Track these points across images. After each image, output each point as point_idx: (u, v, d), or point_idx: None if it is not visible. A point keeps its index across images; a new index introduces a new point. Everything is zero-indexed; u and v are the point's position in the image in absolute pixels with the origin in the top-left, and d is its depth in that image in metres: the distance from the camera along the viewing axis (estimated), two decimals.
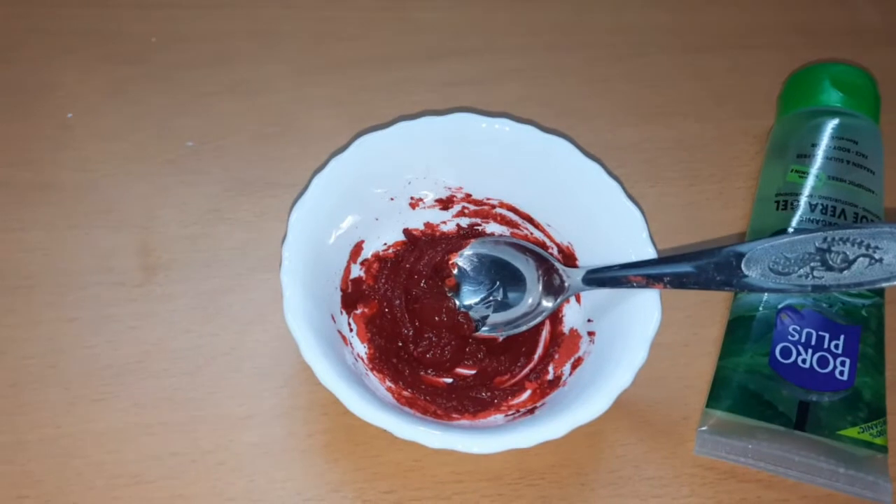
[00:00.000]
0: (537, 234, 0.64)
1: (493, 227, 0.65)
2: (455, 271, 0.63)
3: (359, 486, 0.57)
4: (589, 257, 0.61)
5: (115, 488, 0.56)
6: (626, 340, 0.55)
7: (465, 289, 0.62)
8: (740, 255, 0.53)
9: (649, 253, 0.57)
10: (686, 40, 0.80)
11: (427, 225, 0.65)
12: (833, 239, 0.51)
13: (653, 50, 0.79)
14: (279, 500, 0.56)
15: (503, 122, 0.61)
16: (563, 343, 0.61)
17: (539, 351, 0.62)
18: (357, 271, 0.62)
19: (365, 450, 0.58)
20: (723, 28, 0.81)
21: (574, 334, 0.61)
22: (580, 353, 0.59)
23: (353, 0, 0.80)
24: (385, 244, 0.64)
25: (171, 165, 0.69)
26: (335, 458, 0.58)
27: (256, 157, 0.69)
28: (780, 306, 0.60)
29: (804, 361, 0.59)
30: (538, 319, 0.61)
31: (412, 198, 0.63)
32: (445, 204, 0.64)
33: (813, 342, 0.59)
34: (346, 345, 0.58)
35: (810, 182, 0.64)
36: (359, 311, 0.61)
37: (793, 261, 0.52)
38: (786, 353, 0.59)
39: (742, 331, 0.61)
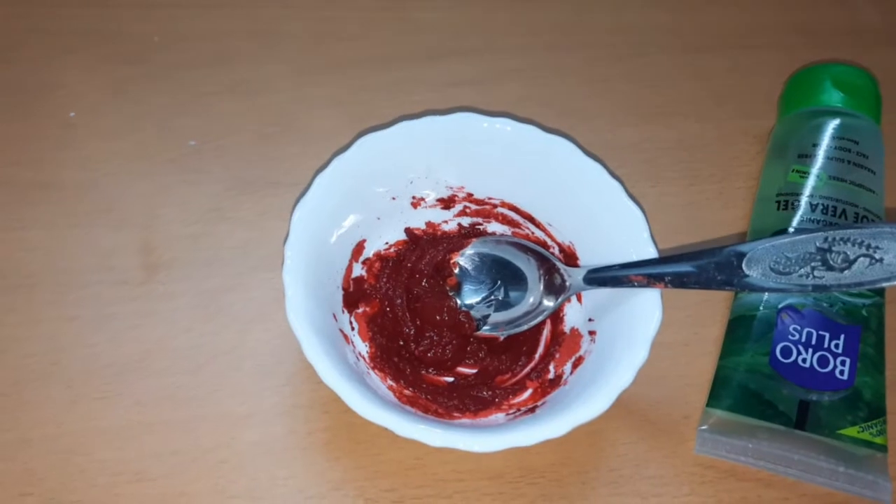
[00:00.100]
0: (538, 234, 0.64)
1: (494, 227, 0.65)
2: (456, 270, 0.63)
3: (360, 485, 0.57)
4: (590, 257, 0.61)
5: (116, 486, 0.56)
6: (627, 340, 0.55)
7: (467, 288, 0.63)
8: (741, 255, 0.53)
9: (650, 252, 0.57)
10: (686, 40, 0.80)
11: (429, 224, 0.65)
12: (834, 239, 0.51)
13: (653, 50, 0.79)
14: (280, 498, 0.56)
15: (504, 122, 0.61)
16: (564, 342, 0.61)
17: (540, 350, 0.62)
18: (359, 270, 0.62)
19: (366, 448, 0.58)
20: (723, 28, 0.81)
21: (575, 333, 0.61)
22: (581, 353, 0.59)
23: (354, 0, 0.80)
24: (387, 243, 0.64)
25: (173, 164, 0.69)
26: (336, 456, 0.58)
27: (257, 156, 0.70)
28: (780, 306, 0.61)
29: (804, 361, 0.59)
30: (539, 319, 0.61)
31: (414, 197, 0.64)
32: (447, 203, 0.64)
33: (813, 342, 0.59)
34: (348, 343, 0.58)
35: (811, 182, 0.64)
36: (360, 310, 0.61)
37: (793, 260, 0.52)
38: (786, 352, 0.59)
39: (742, 330, 0.61)
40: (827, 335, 0.59)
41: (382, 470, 0.58)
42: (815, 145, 0.66)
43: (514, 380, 0.61)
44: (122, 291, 0.63)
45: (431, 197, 0.64)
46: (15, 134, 0.69)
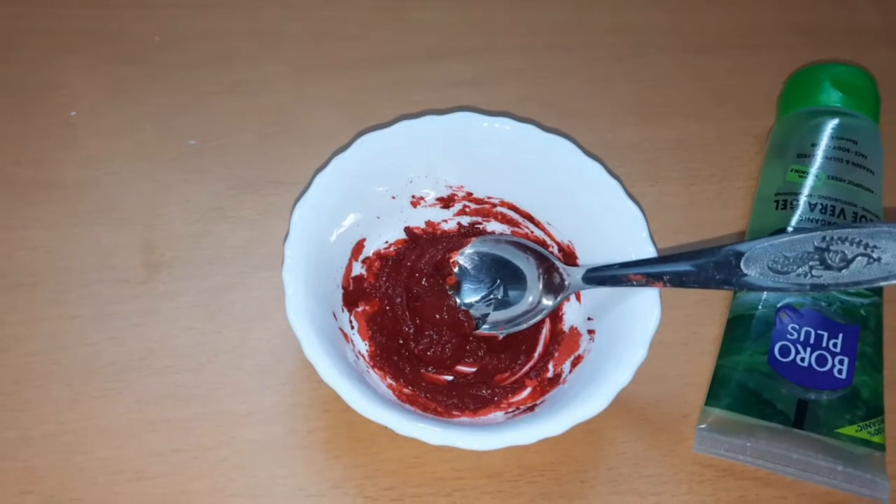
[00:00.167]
0: (538, 233, 0.64)
1: (493, 226, 0.65)
2: (456, 269, 0.63)
3: (359, 483, 0.57)
4: (589, 256, 0.61)
5: (117, 484, 0.56)
6: (626, 339, 0.55)
7: (466, 287, 0.63)
8: (739, 254, 0.54)
9: (649, 252, 0.58)
10: (686, 40, 0.80)
11: (428, 223, 0.65)
12: (832, 238, 0.51)
13: (653, 50, 0.79)
14: (281, 497, 0.57)
15: (504, 122, 0.61)
16: (563, 341, 0.61)
17: (539, 349, 0.62)
18: (358, 269, 0.62)
19: (366, 446, 0.58)
20: (723, 28, 0.81)
21: (574, 332, 0.61)
22: (580, 351, 0.59)
23: (354, 0, 0.80)
24: (386, 242, 0.64)
25: (174, 164, 0.69)
26: (336, 454, 0.58)
27: (258, 155, 0.70)
28: (779, 305, 0.61)
29: (803, 360, 0.59)
30: (538, 317, 0.61)
31: (413, 196, 0.64)
32: (446, 202, 0.64)
33: (812, 341, 0.59)
34: (348, 342, 0.59)
35: (810, 182, 0.65)
36: (360, 309, 0.62)
37: (792, 260, 0.52)
38: (785, 351, 0.59)
39: (741, 329, 0.61)
40: (825, 334, 0.60)
41: (382, 468, 0.58)
42: (814, 145, 0.66)
43: (513, 378, 0.61)
44: (123, 290, 0.63)
45: (431, 196, 0.64)
46: (16, 133, 0.69)
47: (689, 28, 0.81)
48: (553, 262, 0.61)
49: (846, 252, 0.51)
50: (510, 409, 0.58)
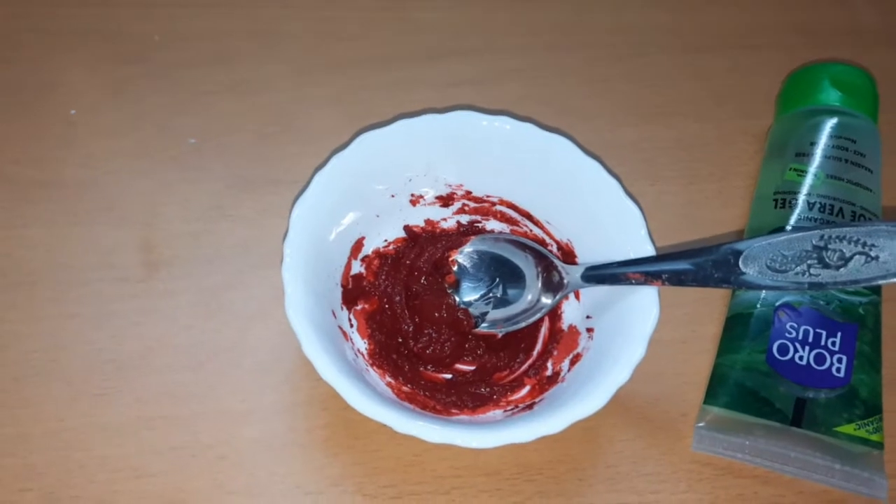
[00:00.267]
0: (537, 232, 0.64)
1: (492, 224, 0.65)
2: (455, 268, 0.63)
3: (358, 481, 0.57)
4: (588, 254, 0.61)
5: (116, 482, 0.57)
6: (625, 337, 0.56)
7: (465, 285, 0.63)
8: (738, 253, 0.54)
9: (648, 250, 0.58)
10: (686, 40, 0.80)
11: (427, 222, 0.65)
12: (830, 237, 0.52)
13: (653, 50, 0.79)
14: (279, 495, 0.57)
15: (503, 120, 0.62)
16: (561, 339, 0.61)
17: (538, 347, 0.62)
18: (358, 267, 0.62)
19: (365, 444, 0.58)
20: (723, 28, 0.81)
21: (573, 331, 0.61)
22: (579, 350, 0.59)
23: (354, 0, 0.80)
24: (386, 241, 0.64)
25: (174, 162, 0.69)
26: (335, 452, 0.58)
27: (257, 154, 0.70)
28: (777, 304, 0.61)
29: (801, 358, 0.59)
30: (537, 316, 0.61)
31: (413, 195, 0.64)
32: (446, 201, 0.65)
33: (810, 339, 0.59)
34: (347, 340, 0.59)
35: (809, 180, 0.65)
36: (359, 307, 0.62)
37: (790, 258, 0.52)
38: (783, 350, 0.59)
39: (740, 328, 0.61)
40: (824, 333, 0.60)
41: (381, 466, 0.58)
42: (813, 144, 0.66)
43: (511, 377, 0.61)
44: (122, 289, 0.63)
45: (430, 195, 0.64)
46: (16, 132, 0.70)
47: (689, 28, 0.81)
48: (552, 261, 0.61)
49: (844, 251, 0.51)
50: (509, 408, 0.58)
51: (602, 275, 0.58)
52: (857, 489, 0.57)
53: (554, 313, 0.63)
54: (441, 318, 0.61)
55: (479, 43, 0.78)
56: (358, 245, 0.62)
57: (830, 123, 0.67)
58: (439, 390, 0.59)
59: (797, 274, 0.52)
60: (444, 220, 0.65)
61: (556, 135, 0.61)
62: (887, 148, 0.68)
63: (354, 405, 0.52)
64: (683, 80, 0.77)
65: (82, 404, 0.59)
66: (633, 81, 0.77)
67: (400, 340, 0.62)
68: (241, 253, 0.65)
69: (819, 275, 0.52)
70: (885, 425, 0.58)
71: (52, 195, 0.67)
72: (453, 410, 0.58)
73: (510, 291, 0.62)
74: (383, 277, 0.63)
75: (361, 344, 0.60)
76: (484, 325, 0.62)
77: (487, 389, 0.60)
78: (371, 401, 0.52)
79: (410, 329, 0.62)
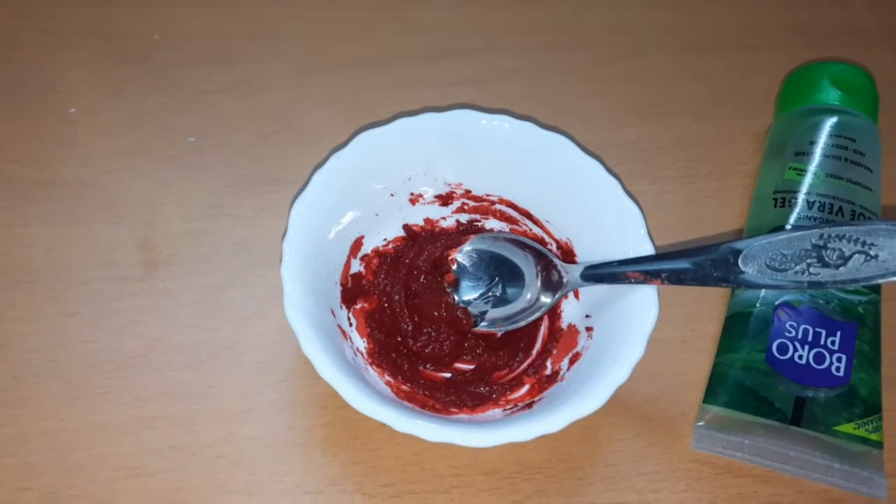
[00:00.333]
0: (536, 231, 0.64)
1: (492, 223, 0.65)
2: (454, 267, 0.63)
3: (358, 480, 0.57)
4: (587, 253, 0.61)
5: (116, 481, 0.57)
6: (624, 336, 0.56)
7: (465, 284, 0.63)
8: (737, 252, 0.54)
9: (647, 249, 0.58)
10: (686, 40, 0.80)
11: (427, 221, 0.65)
12: (829, 235, 0.52)
13: (653, 50, 0.79)
14: (279, 494, 0.57)
15: (503, 119, 0.62)
16: (561, 338, 0.61)
17: (537, 346, 0.62)
18: (357, 266, 0.62)
19: (364, 443, 0.58)
20: (723, 28, 0.81)
21: (572, 330, 0.61)
22: (578, 349, 0.59)
23: (354, 0, 0.80)
24: (385, 240, 0.64)
25: (173, 161, 0.69)
26: (334, 451, 0.58)
27: (257, 154, 0.70)
28: (777, 303, 0.61)
29: (801, 357, 0.59)
30: (537, 315, 0.61)
31: (412, 194, 0.64)
32: (445, 200, 0.65)
33: (809, 338, 0.59)
34: (346, 339, 0.59)
35: (808, 180, 0.65)
36: (358, 306, 0.62)
37: (789, 257, 0.52)
38: (782, 349, 0.59)
39: (739, 327, 0.61)
40: (823, 332, 0.60)
41: (380, 465, 0.58)
42: (813, 143, 0.66)
43: (511, 376, 0.61)
44: (122, 288, 0.63)
45: (429, 193, 0.64)
46: (16, 132, 0.70)
47: (689, 28, 0.81)
48: (551, 260, 0.61)
49: (844, 249, 0.51)
50: (508, 407, 0.58)
51: (601, 274, 0.58)
52: (857, 488, 0.57)
53: (553, 312, 0.63)
54: (440, 317, 0.61)
55: (480, 43, 0.79)
56: (357, 244, 0.62)
57: (830, 122, 0.67)
58: (438, 389, 0.59)
59: (796, 273, 0.52)
60: (444, 218, 0.65)
61: (555, 134, 0.61)
62: (887, 147, 0.67)
63: (353, 404, 0.52)
64: (683, 80, 0.77)
65: (82, 403, 0.59)
66: (633, 81, 0.77)
67: (399, 339, 0.62)
68: (240, 252, 0.65)
69: (818, 274, 0.52)
70: (884, 424, 0.58)
71: (51, 194, 0.67)
72: (452, 409, 0.58)
73: (509, 290, 0.62)
74: (382, 276, 0.63)
75: (360, 343, 0.60)
76: (483, 323, 0.62)
77: (487, 388, 0.60)
78: (370, 400, 0.52)
79: (410, 328, 0.62)
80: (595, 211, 0.60)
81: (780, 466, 0.58)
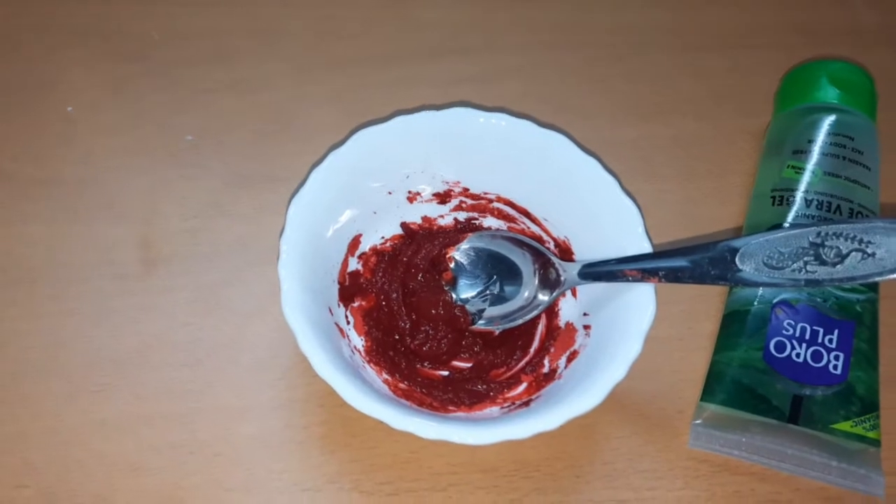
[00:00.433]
0: (534, 229, 0.64)
1: (490, 222, 0.65)
2: (452, 265, 0.63)
3: (355, 478, 0.57)
4: (585, 251, 0.61)
5: (114, 478, 0.57)
6: (621, 334, 0.55)
7: (462, 282, 0.63)
8: (734, 250, 0.54)
9: (645, 247, 0.58)
10: (686, 40, 0.80)
11: (424, 219, 0.65)
12: (826, 234, 0.52)
13: (653, 49, 0.79)
14: (276, 491, 0.57)
15: (500, 117, 0.62)
16: (558, 336, 0.61)
17: (535, 344, 0.62)
18: (355, 264, 0.62)
19: (361, 441, 0.58)
20: (723, 28, 0.81)
21: (570, 328, 0.61)
22: (576, 347, 0.59)
23: None
24: (383, 238, 0.64)
25: (172, 160, 0.69)
26: (332, 449, 0.58)
27: (256, 152, 0.70)
28: (774, 301, 0.61)
29: (798, 356, 0.59)
30: (534, 313, 0.61)
31: (410, 192, 0.64)
32: (443, 198, 0.65)
33: (807, 337, 0.59)
34: (344, 337, 0.59)
35: (806, 178, 0.64)
36: (356, 304, 0.62)
37: (786, 255, 0.52)
38: (780, 347, 0.59)
39: (737, 325, 0.61)
40: (821, 330, 0.60)
41: (378, 463, 0.58)
42: (811, 141, 0.66)
43: (508, 374, 0.61)
44: (121, 286, 0.64)
45: (427, 191, 0.64)
46: (16, 130, 0.70)
47: (689, 27, 0.81)
48: (549, 258, 0.61)
49: (841, 247, 0.51)
50: (506, 405, 0.58)
51: (599, 272, 0.58)
52: (854, 486, 0.57)
53: (551, 310, 0.63)
54: (438, 315, 0.61)
55: (480, 41, 0.79)
56: (355, 242, 0.62)
57: (828, 121, 0.67)
58: (436, 387, 0.59)
59: (794, 271, 0.52)
60: (442, 217, 0.65)
61: (553, 132, 0.61)
62: (885, 145, 0.67)
63: (351, 402, 0.52)
64: (683, 80, 0.77)
65: (81, 401, 0.59)
66: (633, 80, 0.77)
67: (397, 337, 0.62)
68: (238, 250, 0.65)
69: (816, 272, 0.52)
70: (881, 422, 0.58)
71: (51, 192, 0.67)
72: (450, 407, 0.58)
73: (507, 288, 0.62)
74: (380, 274, 0.63)
75: (358, 341, 0.60)
76: (481, 322, 0.62)
77: (484, 386, 0.60)
78: (367, 397, 0.52)
79: (407, 326, 0.62)
80: (593, 209, 0.60)
81: (778, 464, 0.58)
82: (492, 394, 0.59)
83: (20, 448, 0.57)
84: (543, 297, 0.61)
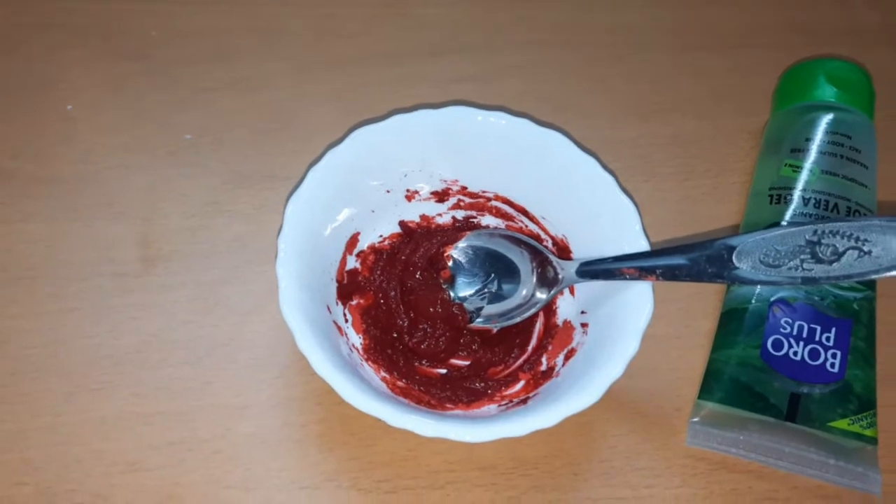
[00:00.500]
0: (532, 227, 0.64)
1: (488, 220, 0.65)
2: (450, 263, 0.63)
3: (353, 476, 0.58)
4: (583, 250, 0.61)
5: (113, 476, 0.57)
6: (619, 332, 0.56)
7: (460, 281, 0.63)
8: (731, 248, 0.54)
9: (642, 245, 0.58)
10: (686, 39, 0.80)
11: (423, 217, 0.65)
12: (823, 232, 0.52)
13: (652, 48, 0.79)
14: (275, 489, 0.57)
15: (498, 116, 0.62)
16: (556, 334, 0.61)
17: (533, 342, 0.62)
18: (353, 263, 0.62)
19: (360, 439, 0.59)
20: (722, 27, 0.81)
21: (567, 326, 0.61)
22: (573, 345, 0.59)
23: None
24: (381, 236, 0.64)
25: (172, 158, 0.69)
26: (330, 447, 0.58)
27: (255, 151, 0.70)
28: (772, 299, 0.61)
29: (795, 354, 0.59)
30: (532, 311, 0.61)
31: (408, 190, 0.64)
32: (441, 196, 0.65)
33: (804, 335, 0.59)
34: (342, 335, 0.59)
35: (804, 176, 0.65)
36: (354, 302, 0.62)
37: (783, 253, 0.52)
38: (777, 345, 0.59)
39: (734, 323, 0.61)
40: (818, 328, 0.60)
41: (376, 461, 0.58)
42: (809, 140, 0.66)
43: (506, 371, 0.61)
44: (121, 284, 0.64)
45: (425, 190, 0.64)
46: (16, 129, 0.70)
47: (689, 27, 0.81)
48: (547, 256, 0.61)
49: (837, 245, 0.51)
50: (503, 402, 0.58)
51: (596, 270, 0.58)
52: (852, 484, 0.57)
53: (549, 308, 0.63)
54: (436, 314, 0.61)
55: (480, 40, 0.79)
56: (353, 240, 0.62)
57: (826, 119, 0.67)
58: (434, 385, 0.60)
59: (790, 269, 0.52)
60: (440, 215, 0.65)
61: (551, 130, 0.61)
62: (883, 144, 0.67)
63: (348, 399, 0.52)
64: (682, 79, 0.77)
65: (80, 399, 0.59)
66: (633, 79, 0.77)
67: (395, 335, 0.62)
68: (237, 248, 0.65)
69: (812, 269, 0.52)
70: (878, 420, 0.58)
71: (51, 191, 0.67)
72: (448, 405, 0.58)
73: (505, 287, 0.62)
74: (378, 273, 0.63)
75: (356, 339, 0.61)
76: (479, 320, 0.62)
77: (482, 384, 0.60)
78: (365, 395, 0.52)
79: (405, 324, 0.62)
80: (591, 207, 0.60)
81: (775, 462, 0.58)
82: (490, 392, 0.59)
83: (20, 446, 0.57)
84: (541, 296, 0.61)
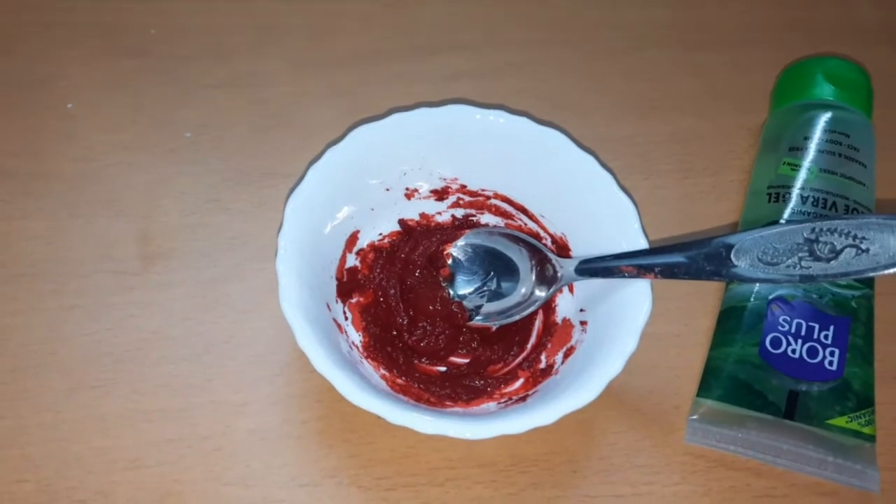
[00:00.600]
0: (531, 225, 0.64)
1: (487, 218, 0.65)
2: (450, 261, 0.63)
3: (353, 473, 0.58)
4: (582, 248, 0.61)
5: (113, 473, 0.57)
6: (618, 329, 0.56)
7: (460, 279, 0.63)
8: (729, 246, 0.54)
9: (641, 243, 0.58)
10: (685, 37, 0.80)
11: (422, 215, 0.65)
12: (821, 229, 0.52)
13: (651, 46, 0.79)
14: (275, 486, 0.57)
15: (498, 114, 0.62)
16: (555, 332, 0.61)
17: (532, 340, 0.62)
18: (352, 261, 0.63)
19: (359, 437, 0.59)
20: (721, 25, 0.81)
21: (566, 324, 0.61)
22: (572, 342, 0.59)
23: None
24: (380, 234, 0.64)
25: (172, 155, 0.69)
26: (330, 444, 0.59)
27: (255, 148, 0.70)
28: (770, 297, 0.61)
29: (794, 352, 0.59)
30: (531, 309, 0.61)
31: (407, 188, 0.64)
32: (440, 195, 0.65)
33: (803, 333, 0.60)
34: (341, 333, 0.59)
35: (802, 175, 0.65)
36: (354, 300, 0.62)
37: (781, 251, 0.53)
38: (776, 343, 0.59)
39: (733, 321, 0.61)
40: (816, 326, 0.60)
41: (376, 458, 0.58)
42: (807, 138, 0.66)
43: (505, 369, 0.61)
44: (121, 281, 0.64)
45: (425, 188, 0.64)
46: (16, 127, 0.70)
47: (688, 25, 0.81)
48: (546, 254, 0.61)
49: (835, 243, 0.51)
50: (503, 400, 0.59)
51: (595, 268, 0.58)
52: (850, 481, 0.57)
53: (548, 306, 0.63)
54: (435, 311, 0.61)
55: (479, 38, 0.79)
56: (353, 238, 0.62)
57: (824, 118, 0.67)
58: (433, 383, 0.60)
59: (788, 267, 0.52)
60: (439, 213, 0.66)
61: (550, 129, 0.61)
62: (881, 142, 0.68)
63: (348, 397, 0.52)
64: (681, 77, 0.77)
65: (80, 396, 0.59)
66: (631, 77, 0.77)
67: (394, 333, 0.62)
68: (237, 246, 0.66)
69: (810, 267, 0.52)
70: (877, 418, 0.58)
71: (51, 188, 0.67)
72: (447, 403, 0.59)
73: (504, 285, 0.62)
74: (378, 271, 0.63)
75: (356, 336, 0.61)
76: (478, 318, 0.62)
77: (481, 382, 0.60)
78: (365, 392, 0.52)
79: (405, 322, 0.62)
80: (589, 206, 0.60)
81: (774, 460, 0.58)
82: (489, 389, 0.60)
83: (20, 443, 0.58)
84: (540, 293, 0.61)
